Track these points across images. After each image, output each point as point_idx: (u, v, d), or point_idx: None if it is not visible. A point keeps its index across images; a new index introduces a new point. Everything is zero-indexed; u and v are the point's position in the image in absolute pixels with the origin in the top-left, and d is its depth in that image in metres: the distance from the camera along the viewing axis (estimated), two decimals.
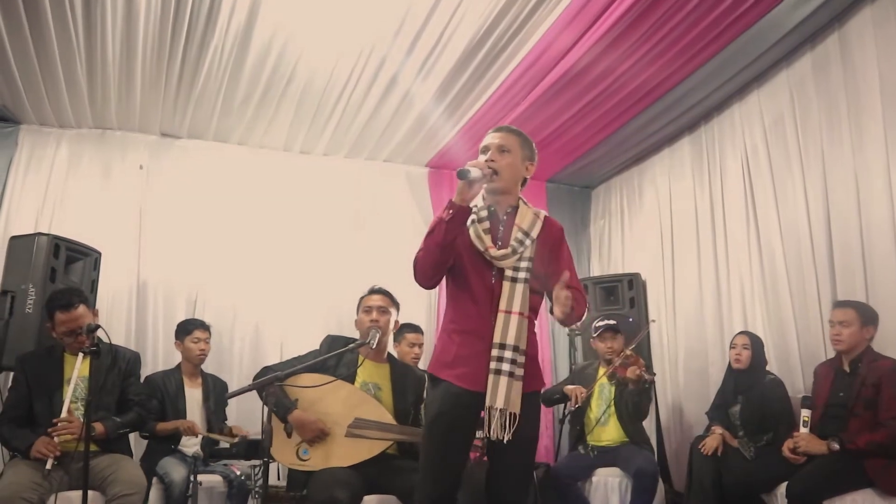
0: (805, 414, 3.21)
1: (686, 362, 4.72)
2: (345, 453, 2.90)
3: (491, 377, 2.16)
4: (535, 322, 2.33)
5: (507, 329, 2.18)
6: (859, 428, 3.06)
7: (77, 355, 3.13)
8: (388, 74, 4.22)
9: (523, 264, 2.24)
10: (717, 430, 3.68)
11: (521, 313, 2.20)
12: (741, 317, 4.25)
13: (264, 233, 5.12)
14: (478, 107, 4.57)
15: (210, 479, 3.56)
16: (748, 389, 3.69)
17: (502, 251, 2.24)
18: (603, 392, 4.23)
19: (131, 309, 4.72)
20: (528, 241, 2.26)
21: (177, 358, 4.14)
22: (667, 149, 5.12)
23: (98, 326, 2.99)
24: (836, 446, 3.04)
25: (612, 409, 4.11)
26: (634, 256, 5.36)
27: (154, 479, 3.46)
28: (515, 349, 2.17)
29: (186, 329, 4.04)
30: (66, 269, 4.06)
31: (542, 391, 4.47)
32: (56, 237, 4.00)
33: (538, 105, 4.46)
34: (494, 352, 2.17)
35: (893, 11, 3.39)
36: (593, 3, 3.54)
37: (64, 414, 3.05)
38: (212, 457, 3.78)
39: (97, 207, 4.77)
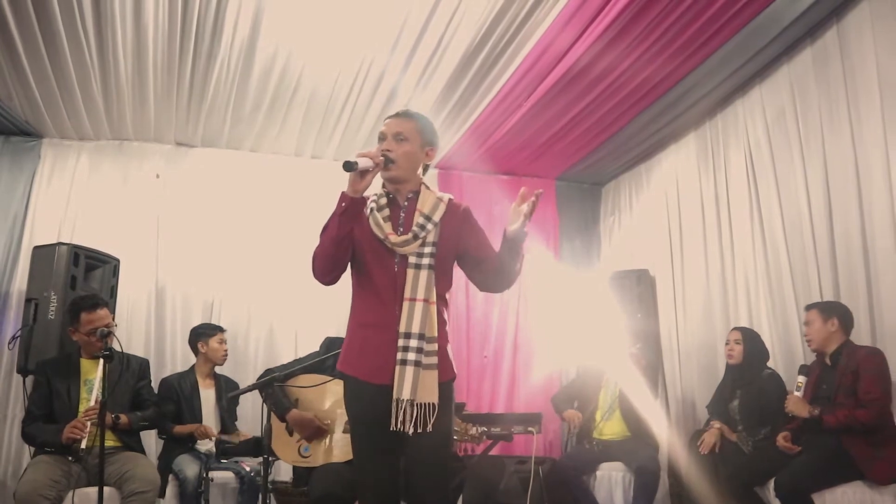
0: (800, 380, 3.29)
1: (694, 356, 4.72)
2: (344, 449, 3.00)
3: (397, 368, 2.07)
4: (446, 312, 2.24)
5: (412, 317, 2.10)
6: None
7: (92, 359, 3.39)
8: (387, 88, 4.31)
9: (427, 250, 2.16)
10: (716, 424, 3.70)
11: (426, 300, 2.12)
12: (746, 311, 4.25)
13: (277, 236, 5.21)
14: (479, 111, 4.63)
15: (222, 476, 3.70)
16: (746, 384, 3.71)
17: (403, 237, 2.15)
18: (609, 387, 4.28)
19: (150, 314, 4.87)
20: (429, 226, 2.17)
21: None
22: (673, 145, 5.12)
23: (109, 332, 3.19)
24: (817, 411, 3.11)
25: (617, 404, 4.16)
26: (644, 252, 5.37)
27: (170, 476, 3.62)
28: (421, 337, 2.09)
29: (209, 332, 4.16)
30: (86, 276, 4.23)
31: (552, 397, 4.56)
32: (76, 246, 4.17)
33: (540, 106, 4.48)
34: (400, 342, 2.09)
35: (891, 6, 3.39)
36: (590, 2, 3.55)
37: (90, 404, 3.24)
38: (223, 454, 3.91)
39: (117, 216, 4.93)
